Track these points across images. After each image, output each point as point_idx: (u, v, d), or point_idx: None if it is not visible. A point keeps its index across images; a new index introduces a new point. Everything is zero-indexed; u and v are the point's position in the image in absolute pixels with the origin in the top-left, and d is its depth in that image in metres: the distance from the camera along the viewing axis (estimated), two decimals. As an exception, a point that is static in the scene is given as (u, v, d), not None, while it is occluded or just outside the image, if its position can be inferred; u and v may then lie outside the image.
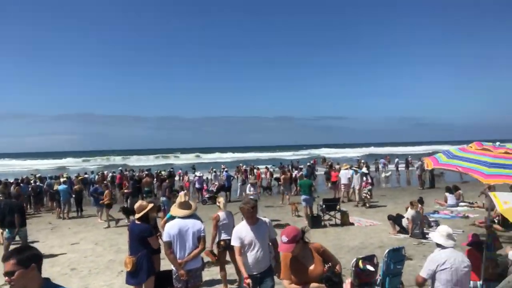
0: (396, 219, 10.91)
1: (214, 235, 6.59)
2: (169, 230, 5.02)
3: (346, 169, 17.83)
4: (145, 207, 5.66)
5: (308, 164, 28.75)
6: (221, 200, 7.08)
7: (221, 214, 6.69)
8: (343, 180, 17.36)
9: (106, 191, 14.63)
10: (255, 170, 26.56)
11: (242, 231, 4.53)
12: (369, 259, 5.66)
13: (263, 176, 25.41)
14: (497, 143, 5.76)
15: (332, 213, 12.52)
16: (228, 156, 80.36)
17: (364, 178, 16.16)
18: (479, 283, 5.64)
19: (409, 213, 10.40)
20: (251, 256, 4.47)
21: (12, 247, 11.11)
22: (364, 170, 17.14)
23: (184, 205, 5.33)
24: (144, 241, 5.42)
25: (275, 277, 4.54)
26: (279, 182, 21.13)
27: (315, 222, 12.04)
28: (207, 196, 19.68)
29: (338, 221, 12.35)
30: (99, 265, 8.81)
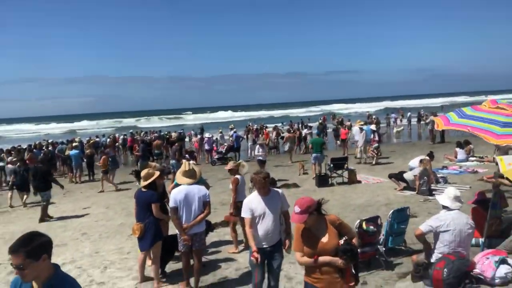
0: (397, 176, 10.85)
1: (235, 198, 6.75)
2: (175, 196, 5.14)
3: (361, 125, 17.42)
4: (152, 175, 5.71)
5: (319, 121, 28.44)
6: (245, 165, 7.36)
7: (240, 178, 6.90)
8: (356, 137, 16.93)
9: (103, 157, 14.50)
10: (264, 130, 26.34)
11: (253, 202, 4.28)
12: (373, 220, 5.64)
13: (271, 135, 25.27)
14: (514, 101, 5.50)
15: (339, 171, 12.48)
16: (239, 115, 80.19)
17: (372, 136, 15.92)
18: (481, 240, 5.62)
19: (416, 170, 10.30)
20: (261, 228, 4.22)
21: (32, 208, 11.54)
22: (372, 127, 16.82)
23: (188, 173, 5.38)
24: (150, 207, 5.48)
25: (284, 252, 4.43)
26: (284, 141, 21.04)
27: (323, 181, 12.06)
28: (216, 157, 19.77)
29: (346, 180, 12.34)
30: (110, 229, 9.04)
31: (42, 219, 10.17)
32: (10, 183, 13.16)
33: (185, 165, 5.55)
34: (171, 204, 5.15)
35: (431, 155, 11.84)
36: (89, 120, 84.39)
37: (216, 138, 23.64)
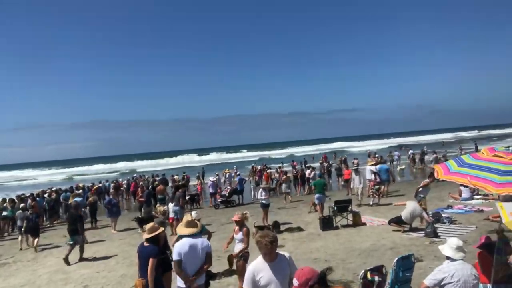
0: (398, 220, 10.82)
1: (246, 247, 6.81)
2: (179, 249, 5.16)
3: (372, 164, 17.74)
4: (156, 229, 5.74)
5: (320, 162, 28.52)
6: (248, 217, 7.35)
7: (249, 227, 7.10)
8: (368, 176, 16.98)
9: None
10: (265, 172, 26.22)
11: (257, 269, 3.80)
12: (377, 269, 5.56)
13: (276, 175, 25.18)
14: (510, 148, 5.58)
15: (344, 214, 12.38)
16: (245, 155, 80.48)
17: (372, 177, 15.90)
18: (489, 285, 5.49)
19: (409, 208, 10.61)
20: None
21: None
22: (372, 168, 16.76)
23: (191, 224, 5.47)
24: None
25: None
26: (280, 181, 21.13)
27: (327, 224, 11.93)
28: (219, 200, 19.70)
29: (350, 222, 12.21)
30: (111, 281, 8.88)
31: (81, 259, 11.07)
32: (23, 228, 13.67)
33: (187, 216, 5.64)
34: (175, 257, 5.16)
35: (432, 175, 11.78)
36: (93, 164, 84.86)
37: (222, 180, 23.66)
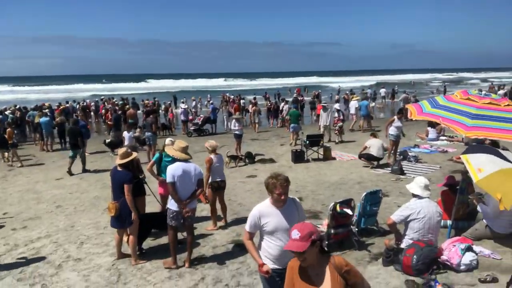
0: (368, 156, 11.17)
1: (208, 177, 6.75)
2: (173, 172, 5.23)
3: (356, 100, 19.63)
4: (129, 155, 5.68)
5: (294, 95, 28.46)
6: (212, 144, 7.02)
7: (214, 157, 6.84)
8: (352, 111, 19.06)
9: (8, 130, 14.46)
10: (235, 102, 25.82)
11: (263, 214, 3.39)
12: (346, 202, 5.83)
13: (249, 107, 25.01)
14: (483, 93, 5.69)
15: (315, 148, 12.68)
16: (215, 84, 79.02)
17: (336, 115, 16.12)
18: (449, 222, 5.95)
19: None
20: (276, 247, 3.37)
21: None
22: (336, 106, 17.00)
23: (186, 150, 5.56)
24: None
25: None
26: (250, 112, 21.68)
27: (298, 157, 12.24)
28: (192, 128, 19.60)
29: (321, 156, 12.57)
30: (84, 202, 8.94)
31: (84, 170, 11.91)
32: None
33: (182, 142, 5.66)
34: (168, 179, 5.22)
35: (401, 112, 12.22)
36: (58, 82, 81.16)
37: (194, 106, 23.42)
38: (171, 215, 5.38)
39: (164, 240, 6.36)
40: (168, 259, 5.63)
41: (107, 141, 15.24)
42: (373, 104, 30.61)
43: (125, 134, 13.41)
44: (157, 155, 7.31)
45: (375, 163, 11.10)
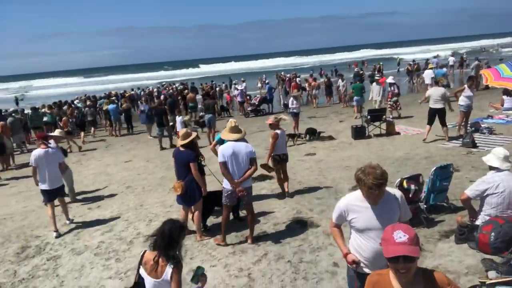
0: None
1: (271, 150, 7.14)
2: (223, 151, 5.29)
3: (431, 69, 19.23)
4: (190, 134, 5.81)
5: (355, 69, 27.40)
6: (286, 118, 7.59)
7: (280, 133, 7.16)
8: (427, 81, 18.48)
9: (64, 118, 15.61)
10: (293, 81, 25.54)
11: (351, 208, 2.90)
12: (414, 178, 5.51)
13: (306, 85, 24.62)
14: None
15: (377, 123, 12.14)
16: (271, 64, 78.59)
17: (390, 88, 15.15)
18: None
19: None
20: (367, 248, 2.87)
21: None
22: (389, 79, 15.89)
23: (235, 130, 5.55)
24: (189, 166, 5.62)
25: None
26: (307, 90, 21.81)
27: (359, 133, 11.80)
28: (249, 109, 19.73)
29: (384, 131, 12.03)
30: (152, 182, 9.41)
31: (171, 146, 13.18)
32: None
33: (231, 122, 5.68)
34: (220, 159, 5.29)
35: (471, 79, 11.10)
36: (122, 73, 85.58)
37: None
38: (225, 194, 5.47)
39: (213, 220, 6.53)
40: (218, 236, 5.79)
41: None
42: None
43: (177, 118, 13.83)
44: (219, 134, 7.40)
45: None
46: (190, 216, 6.22)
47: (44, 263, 5.71)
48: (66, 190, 7.90)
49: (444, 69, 18.81)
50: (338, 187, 7.61)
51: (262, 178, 8.64)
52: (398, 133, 11.88)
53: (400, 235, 2.09)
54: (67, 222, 7.16)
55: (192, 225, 6.19)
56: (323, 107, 20.43)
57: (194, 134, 6.04)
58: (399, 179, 5.45)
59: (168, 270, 2.88)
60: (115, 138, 16.78)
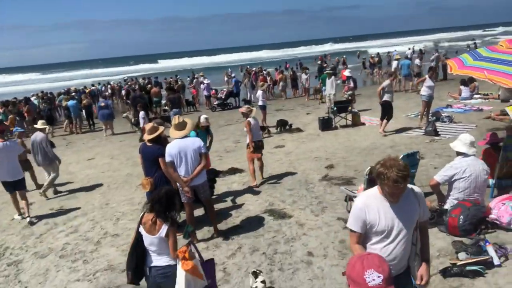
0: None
1: (251, 137, 7.40)
2: (169, 150, 5.14)
3: (397, 59, 19.83)
4: (157, 129, 5.58)
5: (318, 63, 27.72)
6: (253, 110, 7.78)
7: (251, 120, 7.47)
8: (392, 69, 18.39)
9: (10, 116, 14.94)
10: (261, 74, 25.54)
11: (372, 208, 2.54)
12: (383, 166, 5.58)
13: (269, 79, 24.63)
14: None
15: (343, 114, 12.33)
16: (235, 58, 78.17)
17: (346, 81, 15.43)
18: (491, 180, 5.64)
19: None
20: (385, 249, 2.57)
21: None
22: (346, 72, 16.30)
23: (180, 126, 5.35)
24: (157, 161, 5.42)
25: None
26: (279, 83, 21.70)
27: (326, 124, 11.95)
28: (216, 103, 19.51)
29: (349, 122, 12.24)
30: (117, 180, 9.08)
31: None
32: None
33: (175, 118, 5.47)
34: (167, 158, 5.13)
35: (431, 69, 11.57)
36: (80, 68, 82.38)
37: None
38: (181, 192, 5.31)
39: (196, 212, 6.36)
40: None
41: (133, 120, 15.38)
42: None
43: (140, 114, 13.45)
44: (193, 133, 7.12)
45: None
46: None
47: (5, 269, 5.37)
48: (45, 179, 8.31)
49: (408, 61, 19.26)
50: (308, 177, 7.65)
51: (233, 171, 8.56)
52: (363, 124, 12.13)
53: (374, 277, 1.88)
54: (26, 218, 6.94)
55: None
56: (288, 99, 20.65)
57: (161, 129, 5.83)
58: (369, 167, 5.50)
59: (164, 228, 3.23)
60: (76, 136, 16.09)
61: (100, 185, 8.84)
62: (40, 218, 7.14)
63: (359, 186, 5.97)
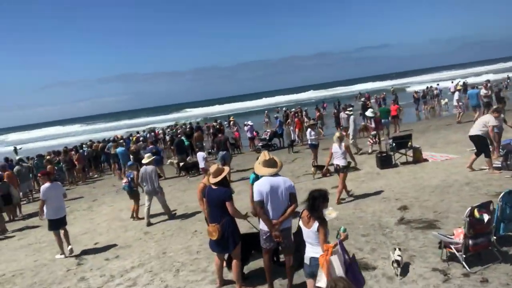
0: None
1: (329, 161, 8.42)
2: (260, 188, 4.65)
3: (459, 90, 20.21)
4: (222, 171, 5.16)
5: (362, 100, 27.15)
6: (338, 134, 8.54)
7: (334, 146, 8.36)
8: (455, 102, 18.18)
9: (49, 166, 14.51)
10: (296, 117, 24.99)
11: None
12: (485, 206, 4.82)
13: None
14: None
15: (402, 151, 11.53)
16: (269, 102, 78.90)
17: (369, 121, 14.87)
18: None
19: (491, 120, 8.91)
20: None
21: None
22: (368, 112, 15.32)
23: (269, 163, 4.88)
24: (225, 206, 4.95)
25: None
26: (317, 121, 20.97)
27: (385, 161, 11.17)
28: (260, 144, 19.19)
29: (410, 159, 11.40)
30: (171, 226, 8.66)
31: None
32: None
33: (265, 154, 5.02)
34: (256, 197, 4.64)
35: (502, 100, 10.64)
36: (126, 118, 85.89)
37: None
38: (263, 237, 4.79)
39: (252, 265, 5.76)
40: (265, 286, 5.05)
41: (181, 164, 15.24)
42: (445, 100, 28.30)
43: (199, 154, 13.24)
44: (252, 175, 6.55)
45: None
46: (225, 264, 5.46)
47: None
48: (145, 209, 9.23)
49: (476, 90, 18.06)
50: (381, 221, 6.88)
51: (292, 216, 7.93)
52: (426, 160, 11.24)
53: None
54: (68, 248, 7.65)
55: (228, 275, 5.46)
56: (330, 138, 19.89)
57: (227, 170, 5.40)
58: (470, 208, 4.74)
59: (315, 224, 3.87)
60: (125, 182, 16.08)
61: (154, 232, 8.44)
62: (96, 269, 6.76)
63: (454, 230, 5.17)
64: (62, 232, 7.72)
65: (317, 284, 3.73)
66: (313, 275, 3.89)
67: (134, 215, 9.80)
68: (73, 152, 18.69)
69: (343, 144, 8.39)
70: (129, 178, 9.70)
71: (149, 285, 5.83)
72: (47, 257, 7.83)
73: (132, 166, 10.38)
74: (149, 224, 9.08)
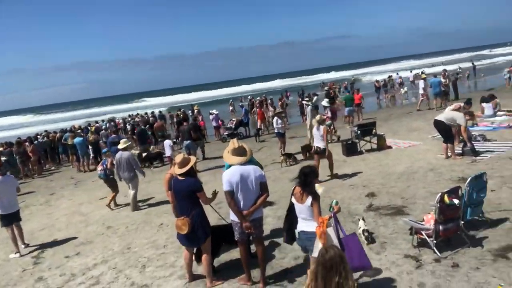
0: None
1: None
2: (229, 178, 4.44)
3: (423, 78, 20.21)
4: (189, 160, 4.89)
5: (326, 88, 27.45)
6: (317, 118, 8.83)
7: (313, 129, 8.67)
8: (420, 90, 19.04)
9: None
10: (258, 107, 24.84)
11: None
12: (454, 191, 4.88)
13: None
14: None
15: (367, 138, 11.68)
16: (235, 91, 78.32)
17: (325, 111, 15.17)
18: None
19: (461, 119, 8.94)
20: None
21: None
22: (324, 102, 16.05)
23: (239, 151, 4.65)
24: (194, 197, 4.71)
25: None
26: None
27: (351, 149, 11.28)
28: (226, 133, 18.93)
29: (374, 146, 11.58)
30: (136, 220, 8.29)
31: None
32: None
33: (233, 142, 4.77)
34: (225, 187, 4.42)
35: (468, 102, 10.97)
36: (82, 107, 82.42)
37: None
38: (236, 228, 4.63)
39: (236, 254, 5.58)
40: (242, 276, 4.91)
41: (144, 155, 14.72)
42: (404, 89, 29.09)
43: (166, 142, 12.81)
44: (227, 164, 6.31)
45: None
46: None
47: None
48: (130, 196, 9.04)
49: (438, 78, 18.82)
50: (350, 208, 6.89)
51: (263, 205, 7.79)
52: (390, 147, 11.46)
53: None
54: (23, 246, 7.39)
55: (197, 269, 5.25)
56: (298, 126, 19.96)
57: (193, 159, 5.12)
58: (440, 193, 4.78)
59: (309, 199, 4.02)
60: (84, 174, 15.35)
61: (117, 226, 8.04)
62: (55, 267, 6.33)
63: (424, 215, 5.21)
64: (16, 228, 7.33)
65: (313, 255, 3.88)
66: (305, 249, 4.24)
67: (111, 204, 9.45)
68: (27, 143, 17.54)
69: (321, 127, 8.77)
70: (104, 166, 9.46)
71: (113, 283, 5.51)
72: (1, 256, 7.29)
73: (107, 153, 10.31)
74: (136, 208, 9.00)
